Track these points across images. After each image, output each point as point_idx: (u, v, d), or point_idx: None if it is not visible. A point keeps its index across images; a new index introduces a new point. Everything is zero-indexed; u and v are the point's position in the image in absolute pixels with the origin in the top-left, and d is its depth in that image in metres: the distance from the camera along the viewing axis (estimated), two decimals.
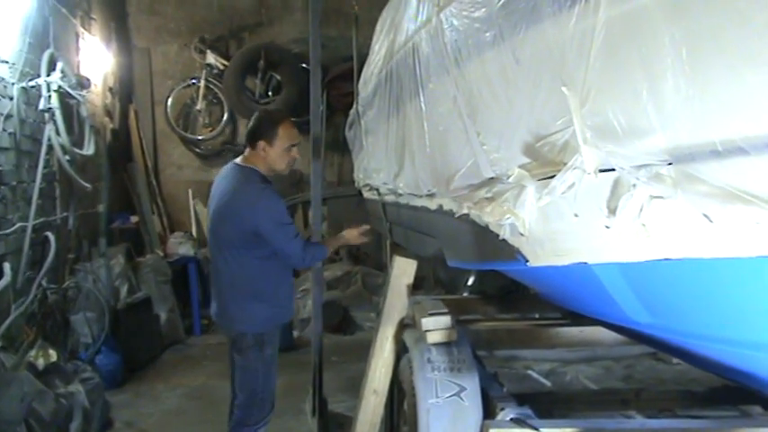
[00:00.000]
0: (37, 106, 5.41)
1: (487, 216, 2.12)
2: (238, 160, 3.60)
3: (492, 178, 2.14)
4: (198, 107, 8.89)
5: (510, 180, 1.94)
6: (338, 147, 8.74)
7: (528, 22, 1.74)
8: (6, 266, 4.61)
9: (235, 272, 3.50)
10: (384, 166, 3.92)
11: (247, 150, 3.56)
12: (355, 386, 3.95)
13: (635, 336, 2.63)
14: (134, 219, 8.09)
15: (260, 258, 3.46)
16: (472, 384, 2.72)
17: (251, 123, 3.57)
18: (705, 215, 1.38)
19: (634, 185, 1.50)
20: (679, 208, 1.43)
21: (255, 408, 3.57)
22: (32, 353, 4.55)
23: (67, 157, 5.70)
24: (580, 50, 1.52)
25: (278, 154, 3.49)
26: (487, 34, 1.97)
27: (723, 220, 1.36)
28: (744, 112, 1.21)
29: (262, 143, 3.47)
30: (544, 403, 3.16)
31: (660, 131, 1.37)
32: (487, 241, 2.21)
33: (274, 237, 3.40)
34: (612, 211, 1.59)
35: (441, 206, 2.77)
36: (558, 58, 1.62)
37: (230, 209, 3.45)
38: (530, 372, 5.43)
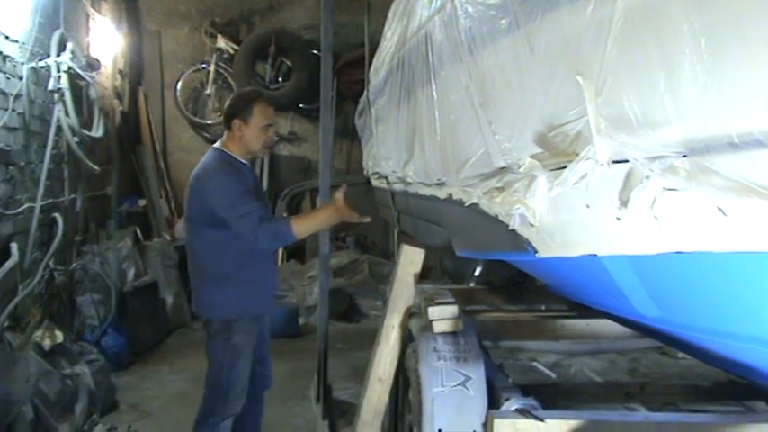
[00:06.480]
0: (46, 86, 5.41)
1: (497, 206, 2.11)
2: (216, 143, 3.53)
3: (503, 168, 2.13)
4: (207, 91, 8.88)
5: (521, 170, 1.93)
6: (347, 134, 8.74)
7: (544, 10, 1.72)
8: (14, 247, 4.62)
9: (202, 253, 3.46)
10: (394, 154, 3.91)
11: (225, 133, 3.50)
12: (360, 374, 3.95)
13: (642, 329, 2.62)
14: (142, 202, 8.10)
15: (222, 239, 3.35)
16: (477, 374, 2.70)
17: (227, 105, 3.51)
18: (719, 208, 1.37)
19: (647, 177, 1.48)
20: (692, 201, 1.41)
21: (219, 403, 3.40)
22: (39, 333, 4.56)
23: (76, 139, 5.70)
24: (596, 39, 1.50)
25: (253, 133, 3.39)
26: (502, 21, 1.95)
27: (737, 214, 1.35)
28: (763, 104, 1.19)
29: (237, 122, 3.38)
30: (549, 394, 3.14)
31: (676, 123, 1.35)
32: (496, 231, 2.20)
33: (227, 215, 3.28)
34: (624, 202, 1.57)
35: (450, 195, 2.76)
36: (574, 46, 1.60)
37: (194, 189, 3.42)
38: (535, 363, 5.41)
